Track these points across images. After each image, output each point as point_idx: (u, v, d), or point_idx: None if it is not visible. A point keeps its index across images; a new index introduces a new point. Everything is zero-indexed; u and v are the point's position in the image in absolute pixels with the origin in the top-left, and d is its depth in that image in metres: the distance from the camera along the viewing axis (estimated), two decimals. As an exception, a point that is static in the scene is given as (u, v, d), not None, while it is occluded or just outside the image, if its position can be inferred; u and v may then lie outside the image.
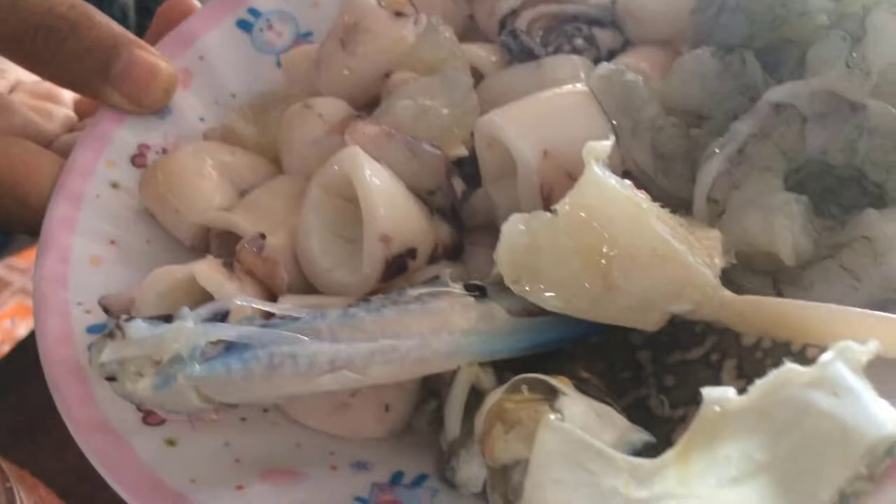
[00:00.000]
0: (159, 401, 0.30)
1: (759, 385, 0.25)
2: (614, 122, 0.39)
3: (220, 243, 0.43)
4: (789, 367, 0.25)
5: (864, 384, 0.24)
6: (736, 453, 0.24)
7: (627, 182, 0.31)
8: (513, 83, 0.44)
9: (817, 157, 0.35)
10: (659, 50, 0.46)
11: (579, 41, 0.47)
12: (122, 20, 0.65)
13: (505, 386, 0.30)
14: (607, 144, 0.31)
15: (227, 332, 0.30)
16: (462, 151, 0.42)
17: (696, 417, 0.25)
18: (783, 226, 0.33)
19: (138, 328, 0.30)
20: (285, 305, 0.32)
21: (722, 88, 0.39)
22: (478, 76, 0.46)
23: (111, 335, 0.30)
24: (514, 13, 0.47)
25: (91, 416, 0.34)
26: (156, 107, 0.47)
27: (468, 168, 0.42)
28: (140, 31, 0.65)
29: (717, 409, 0.25)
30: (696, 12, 0.43)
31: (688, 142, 0.38)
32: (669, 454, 0.25)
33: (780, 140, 0.35)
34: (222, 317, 0.31)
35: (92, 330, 0.38)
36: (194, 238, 0.43)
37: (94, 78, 0.45)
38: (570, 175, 0.37)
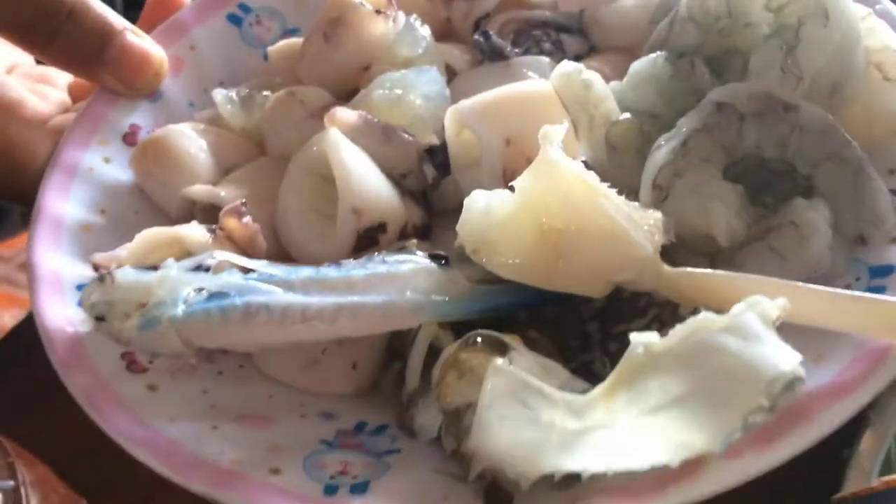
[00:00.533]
0: (143, 341, 0.33)
1: (679, 329, 0.28)
2: (572, 116, 0.42)
3: (204, 217, 0.45)
4: (705, 315, 0.28)
5: (770, 332, 0.27)
6: (656, 387, 0.27)
7: (579, 163, 0.35)
8: (483, 80, 0.47)
9: (753, 151, 0.39)
10: (621, 55, 0.50)
11: (547, 45, 0.50)
12: (111, 4, 0.67)
13: (460, 340, 0.33)
14: (562, 128, 0.35)
15: (207, 280, 0.33)
16: (434, 140, 0.45)
17: (623, 358, 0.28)
18: (719, 211, 0.37)
19: (126, 274, 0.33)
20: (262, 262, 0.35)
21: (673, 90, 0.42)
22: (451, 74, 0.50)
23: (102, 280, 0.33)
24: (488, 17, 0.51)
25: (78, 359, 0.37)
26: (147, 90, 0.50)
27: (439, 156, 0.45)
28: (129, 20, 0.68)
29: (641, 350, 0.28)
30: (653, 23, 0.47)
31: (640, 137, 0.42)
32: (598, 390, 0.28)
33: (720, 135, 0.38)
34: (205, 270, 0.34)
35: (81, 287, 0.40)
36: (179, 210, 0.45)
37: (90, 61, 0.48)
38: (531, 161, 0.40)
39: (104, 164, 0.47)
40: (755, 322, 0.27)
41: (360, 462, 0.33)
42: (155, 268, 0.34)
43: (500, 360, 0.30)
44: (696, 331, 0.28)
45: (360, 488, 0.32)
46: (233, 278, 0.33)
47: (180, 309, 0.32)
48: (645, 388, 0.27)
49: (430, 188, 0.45)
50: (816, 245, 0.36)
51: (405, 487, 0.32)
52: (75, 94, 0.54)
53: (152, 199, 0.46)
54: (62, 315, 0.39)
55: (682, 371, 0.27)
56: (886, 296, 0.32)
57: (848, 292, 0.32)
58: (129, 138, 0.49)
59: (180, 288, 0.33)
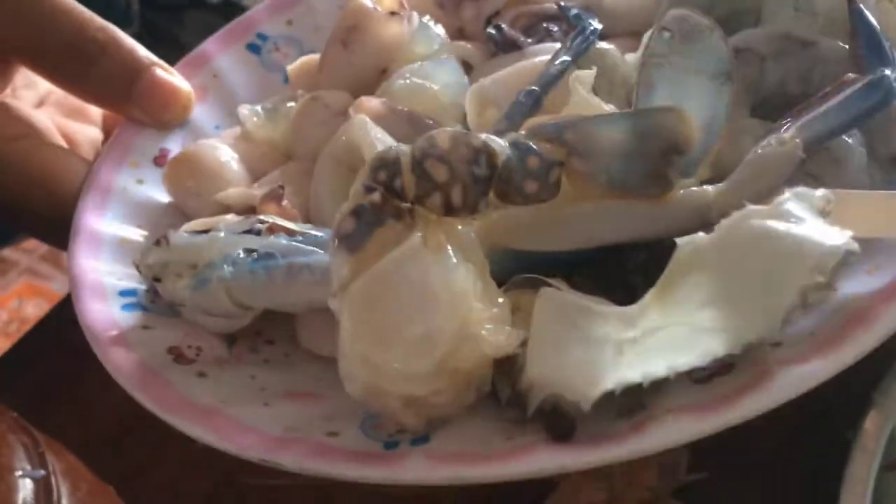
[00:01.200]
0: (196, 301, 0.34)
1: (724, 223, 0.28)
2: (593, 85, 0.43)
3: (240, 224, 0.46)
4: (750, 206, 0.28)
5: (816, 217, 0.27)
6: (706, 280, 0.27)
7: (610, 105, 0.35)
8: (500, 70, 0.48)
9: (777, 89, 0.39)
10: (630, 40, 0.51)
11: (558, 35, 0.51)
12: (127, 10, 0.69)
13: (504, 285, 0.33)
14: (591, 73, 0.35)
15: (254, 242, 0.34)
16: (458, 127, 0.46)
17: (671, 261, 0.28)
18: (748, 143, 0.37)
19: (180, 238, 0.34)
20: (307, 225, 0.36)
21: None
22: (468, 69, 0.50)
23: (157, 243, 0.34)
24: (498, 14, 0.52)
25: (125, 354, 0.37)
26: (175, 123, 0.52)
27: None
28: (144, 25, 0.70)
29: (688, 249, 0.28)
30: (660, 4, 0.48)
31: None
32: (648, 296, 0.28)
33: (742, 77, 0.39)
34: (255, 234, 0.35)
35: (123, 293, 0.41)
36: (215, 218, 0.46)
37: (119, 97, 0.50)
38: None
39: (137, 185, 0.48)
40: (800, 208, 0.27)
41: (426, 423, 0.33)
42: (208, 231, 0.35)
43: (546, 288, 0.30)
44: (741, 219, 0.27)
45: (420, 441, 0.31)
46: (279, 240, 0.34)
47: (228, 270, 0.33)
48: (696, 283, 0.27)
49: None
50: (851, 167, 0.36)
51: (467, 435, 0.31)
52: (109, 125, 0.55)
53: (186, 213, 0.47)
54: (109, 317, 0.39)
55: (732, 260, 0.27)
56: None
57: (890, 193, 0.32)
58: (159, 161, 0.50)
59: (229, 249, 0.34)
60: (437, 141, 0.31)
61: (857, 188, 0.36)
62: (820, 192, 0.28)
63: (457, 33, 0.55)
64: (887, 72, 0.34)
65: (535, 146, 0.32)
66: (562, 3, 0.50)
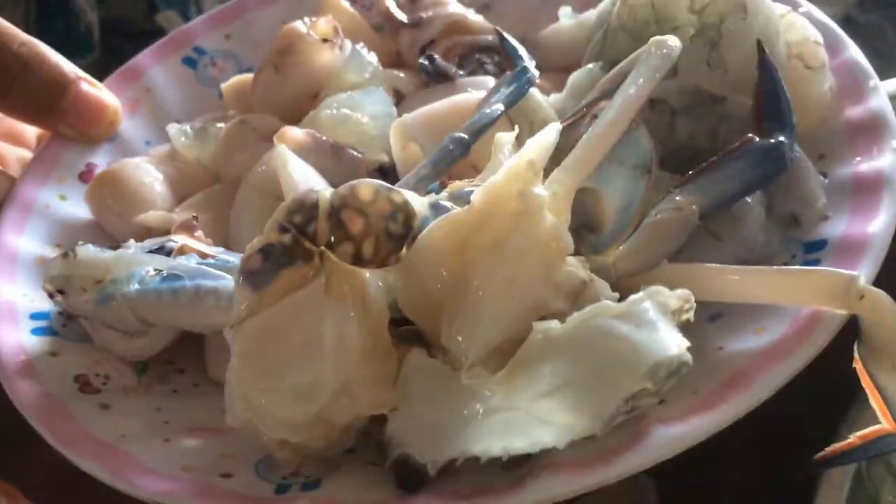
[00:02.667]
0: (100, 315, 0.35)
1: (576, 316, 0.29)
2: (513, 123, 0.43)
3: (160, 246, 0.46)
4: (604, 302, 0.29)
5: (666, 320, 0.28)
6: (549, 371, 0.28)
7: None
8: (429, 101, 0.49)
9: (687, 142, 0.40)
10: (562, 75, 0.52)
11: (491, 67, 0.52)
12: (87, 37, 0.69)
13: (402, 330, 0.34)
14: (512, 135, 0.36)
15: (161, 262, 0.34)
16: (383, 158, 0.46)
17: (523, 346, 0.29)
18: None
19: (87, 251, 0.34)
20: (219, 249, 0.36)
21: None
22: (399, 97, 0.51)
23: (65, 255, 0.34)
24: (433, 43, 0.53)
25: (31, 384, 0.37)
26: (103, 138, 0.51)
27: (390, 174, 0.46)
28: (107, 50, 0.70)
29: (541, 336, 0.29)
30: (590, 41, 0.49)
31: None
32: (499, 375, 0.29)
33: (654, 130, 0.40)
34: (167, 253, 0.36)
35: (35, 317, 0.41)
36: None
37: (45, 112, 0.49)
38: (475, 167, 0.41)
39: (60, 201, 0.48)
40: (651, 310, 0.28)
41: (313, 463, 0.33)
42: (117, 247, 0.35)
43: (417, 350, 0.31)
44: (592, 316, 0.28)
45: (311, 486, 0.32)
46: (188, 262, 0.34)
47: (133, 288, 0.33)
48: (540, 372, 0.28)
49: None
50: (749, 225, 0.37)
51: (357, 483, 0.32)
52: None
53: (107, 232, 0.47)
54: (16, 342, 0.39)
55: (574, 355, 0.28)
56: (814, 267, 0.33)
57: (777, 268, 0.33)
58: (85, 176, 0.50)
59: (136, 267, 0.34)
60: (358, 192, 0.31)
61: (753, 246, 0.37)
62: (678, 293, 0.29)
63: (395, 58, 0.55)
64: (782, 139, 0.35)
65: (453, 209, 0.33)
66: (503, 34, 0.50)
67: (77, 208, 0.48)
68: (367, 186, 0.32)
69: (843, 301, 0.31)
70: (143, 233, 0.46)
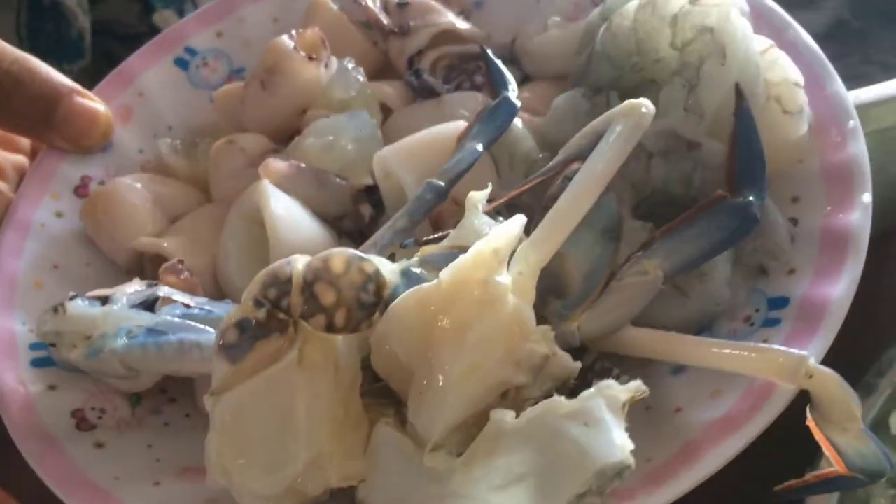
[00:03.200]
0: (90, 366, 0.38)
1: (530, 411, 0.30)
2: (493, 155, 0.44)
3: (153, 266, 0.47)
4: (556, 399, 0.30)
5: (615, 418, 0.29)
6: (503, 465, 0.29)
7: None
8: (416, 118, 0.49)
9: (661, 187, 0.40)
10: (551, 85, 0.52)
11: (479, 78, 0.52)
12: (79, 42, 0.69)
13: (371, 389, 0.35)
14: (485, 193, 0.36)
15: (146, 319, 0.36)
16: (368, 181, 0.47)
17: (481, 433, 0.30)
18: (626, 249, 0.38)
19: (77, 307, 0.36)
20: (202, 299, 0.38)
21: (590, 125, 0.44)
22: (387, 111, 0.51)
23: (55, 311, 0.36)
24: (420, 53, 0.53)
25: (30, 422, 0.39)
26: (96, 148, 0.52)
27: (376, 195, 0.47)
28: (100, 53, 0.70)
29: (496, 428, 0.30)
30: (579, 53, 0.48)
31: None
32: (460, 460, 0.31)
33: (629, 173, 0.40)
34: (151, 303, 0.38)
35: (34, 347, 0.43)
36: (128, 262, 0.48)
37: (38, 125, 0.50)
38: (456, 200, 0.42)
39: (56, 219, 0.49)
40: (601, 407, 0.29)
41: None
42: (106, 300, 0.37)
43: (384, 424, 0.33)
44: (545, 413, 0.30)
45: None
46: (170, 317, 0.36)
47: (120, 343, 0.35)
48: (495, 464, 0.29)
49: (367, 226, 0.47)
50: (716, 281, 0.38)
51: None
52: (38, 148, 0.55)
53: (102, 251, 0.48)
54: (15, 377, 0.41)
55: (526, 452, 0.29)
56: (764, 345, 0.34)
57: (735, 343, 0.34)
58: (80, 190, 0.51)
59: (122, 323, 0.36)
60: (331, 264, 0.33)
61: (720, 301, 0.38)
62: (629, 387, 0.30)
63: (382, 58, 0.55)
64: (752, 198, 0.36)
65: (423, 276, 0.34)
66: (489, 54, 0.50)
67: (72, 225, 0.49)
68: (338, 258, 0.33)
69: (793, 378, 0.32)
70: (137, 255, 0.48)
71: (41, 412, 0.40)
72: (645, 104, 0.36)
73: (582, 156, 0.37)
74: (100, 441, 0.39)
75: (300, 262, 0.33)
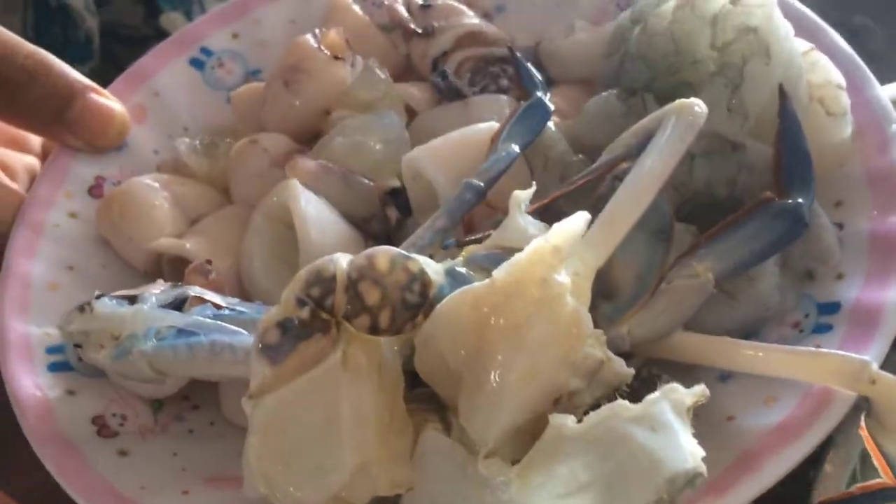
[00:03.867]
0: (117, 368, 0.35)
1: (593, 415, 0.29)
2: (528, 157, 0.43)
3: (172, 269, 0.46)
4: (620, 402, 0.29)
5: (682, 422, 0.28)
6: (566, 472, 0.28)
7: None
8: (442, 121, 0.48)
9: (703, 189, 0.39)
10: (577, 88, 0.51)
11: (504, 81, 0.51)
12: (87, 44, 0.68)
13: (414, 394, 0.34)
14: (529, 192, 0.35)
15: (177, 319, 0.34)
16: (395, 183, 0.46)
17: (541, 438, 0.29)
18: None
19: (104, 306, 0.35)
20: (233, 300, 0.36)
21: (626, 128, 0.43)
22: (411, 113, 0.50)
23: (82, 310, 0.34)
24: (445, 55, 0.52)
25: (49, 428, 0.37)
26: (110, 147, 0.51)
27: (402, 198, 0.46)
28: (104, 56, 0.69)
29: (556, 433, 0.29)
30: (607, 56, 0.48)
31: (594, 176, 0.43)
32: (516, 468, 0.29)
33: (672, 174, 0.39)
34: (180, 303, 0.36)
35: (50, 350, 0.41)
36: (147, 263, 0.46)
37: (52, 123, 0.48)
38: (489, 203, 0.41)
39: (70, 220, 0.48)
40: (667, 411, 0.28)
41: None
42: (133, 299, 0.35)
43: (433, 429, 0.31)
44: (608, 417, 0.28)
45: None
46: (201, 318, 0.35)
47: (149, 344, 0.34)
48: (556, 472, 0.28)
49: (394, 230, 0.46)
50: (765, 285, 0.37)
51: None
52: (49, 153, 0.54)
53: (119, 253, 0.47)
54: (32, 382, 0.39)
55: (591, 458, 0.28)
56: (824, 349, 0.33)
57: (790, 348, 0.33)
58: (94, 191, 0.49)
59: (152, 323, 0.34)
60: (376, 262, 0.31)
61: (768, 305, 0.37)
62: (694, 391, 0.29)
63: (405, 61, 0.54)
64: (801, 200, 0.35)
65: (469, 276, 0.32)
66: (517, 56, 0.49)
67: (87, 226, 0.48)
68: (384, 256, 0.32)
69: (856, 385, 0.31)
70: (155, 257, 0.46)
71: (60, 418, 0.38)
72: (697, 103, 0.35)
73: (630, 156, 0.36)
74: (123, 449, 0.38)
75: (343, 261, 0.32)
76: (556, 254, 0.30)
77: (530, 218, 0.35)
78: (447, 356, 0.32)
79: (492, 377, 0.30)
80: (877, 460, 0.34)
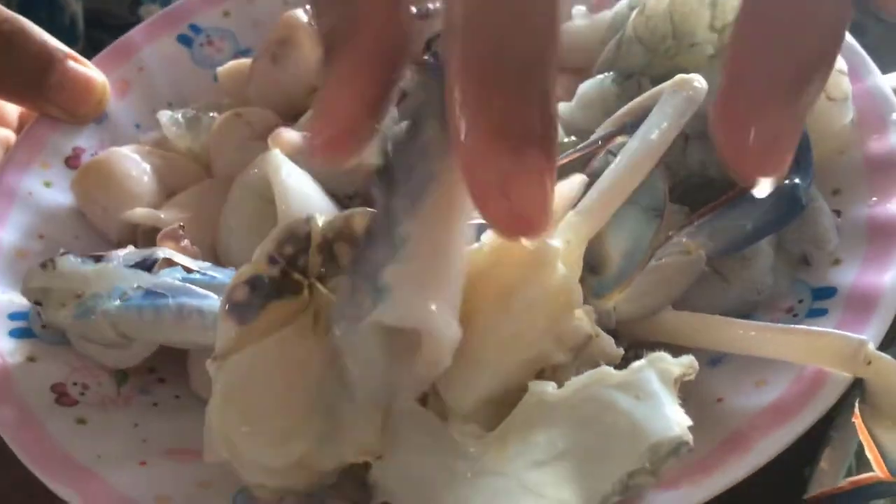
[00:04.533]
0: (79, 330, 0.34)
1: (575, 381, 0.27)
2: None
3: (147, 242, 0.44)
4: (604, 368, 0.27)
5: (667, 391, 0.26)
6: (544, 440, 0.26)
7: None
8: (433, 101, 0.47)
9: (697, 170, 0.38)
10: (572, 76, 0.50)
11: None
12: (72, 28, 0.67)
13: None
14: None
15: (144, 279, 0.33)
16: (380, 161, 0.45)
17: (518, 405, 0.28)
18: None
19: (68, 263, 0.33)
20: (205, 264, 0.35)
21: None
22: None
23: (44, 266, 0.33)
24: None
25: (5, 393, 0.36)
26: (90, 117, 0.49)
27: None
28: (89, 40, 0.67)
29: (536, 399, 0.27)
30: (604, 43, 0.47)
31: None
32: (493, 434, 0.28)
33: (665, 154, 0.38)
34: (150, 264, 0.34)
35: (13, 317, 0.39)
36: (121, 234, 0.44)
37: (30, 90, 0.47)
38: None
39: (44, 188, 0.46)
40: (653, 380, 0.26)
41: (293, 499, 0.32)
42: (100, 258, 0.34)
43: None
44: (591, 383, 0.27)
45: (289, 525, 0.31)
46: (171, 278, 0.33)
47: (114, 304, 0.32)
48: (534, 440, 0.27)
49: (378, 208, 0.44)
50: (758, 267, 0.35)
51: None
52: (27, 120, 0.52)
53: (93, 223, 0.45)
54: (-9, 343, 0.38)
55: (571, 425, 0.26)
56: (816, 327, 0.32)
57: (784, 326, 0.32)
58: (71, 161, 0.48)
59: (117, 282, 0.32)
60: (353, 223, 0.30)
61: (762, 288, 0.36)
62: (682, 360, 0.27)
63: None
64: (797, 180, 0.33)
65: None
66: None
67: (62, 196, 0.46)
68: (361, 217, 0.31)
69: (851, 366, 0.30)
70: (130, 228, 0.45)
71: (18, 384, 0.36)
72: (697, 79, 0.34)
73: (626, 132, 0.35)
74: (81, 417, 0.36)
75: (320, 220, 0.30)
76: (547, 217, 0.28)
77: None
78: None
79: (473, 343, 0.28)
80: (870, 451, 0.33)
